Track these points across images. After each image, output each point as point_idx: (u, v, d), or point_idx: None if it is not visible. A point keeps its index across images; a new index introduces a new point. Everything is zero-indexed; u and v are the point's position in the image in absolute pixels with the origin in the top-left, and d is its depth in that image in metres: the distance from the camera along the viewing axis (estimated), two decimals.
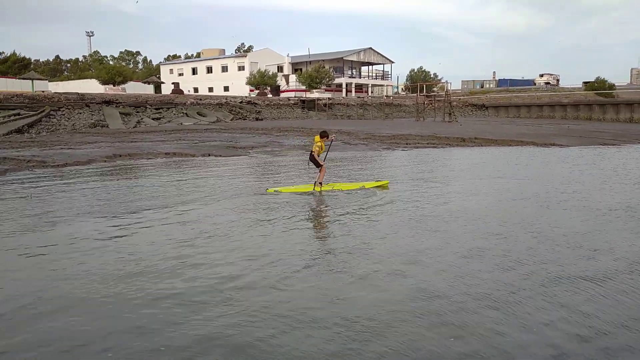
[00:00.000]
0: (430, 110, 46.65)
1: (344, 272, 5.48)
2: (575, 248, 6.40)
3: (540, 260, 5.90)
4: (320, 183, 10.37)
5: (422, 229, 7.33)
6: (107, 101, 32.00)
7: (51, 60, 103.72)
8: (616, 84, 69.71)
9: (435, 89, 59.09)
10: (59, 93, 34.04)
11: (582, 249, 6.35)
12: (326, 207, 9.03)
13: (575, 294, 4.89)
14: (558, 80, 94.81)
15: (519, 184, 11.47)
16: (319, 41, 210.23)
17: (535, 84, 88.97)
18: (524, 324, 4.23)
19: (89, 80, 62.59)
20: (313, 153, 10.28)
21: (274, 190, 10.25)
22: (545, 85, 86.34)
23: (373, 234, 7.02)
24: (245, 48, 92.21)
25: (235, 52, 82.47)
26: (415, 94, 50.47)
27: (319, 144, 10.32)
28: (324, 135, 10.42)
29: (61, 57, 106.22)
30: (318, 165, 10.31)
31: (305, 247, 6.44)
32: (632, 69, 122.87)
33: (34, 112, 26.98)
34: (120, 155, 16.45)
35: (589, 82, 72.47)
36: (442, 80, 67.59)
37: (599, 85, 65.72)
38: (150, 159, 16.23)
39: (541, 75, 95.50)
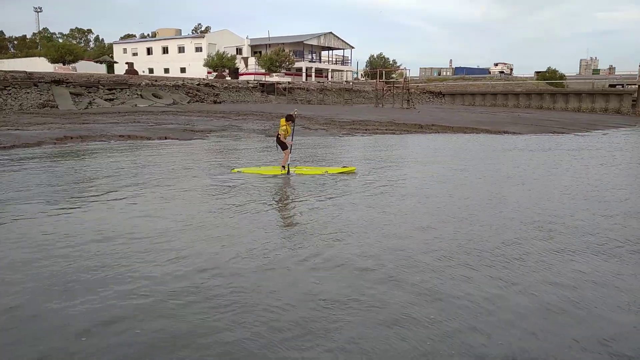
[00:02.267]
0: (389, 96, 47.08)
1: (308, 256, 5.49)
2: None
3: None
4: (284, 166, 10.45)
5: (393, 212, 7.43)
6: (57, 80, 30.53)
7: None
8: (566, 75, 72.33)
9: (394, 75, 59.68)
10: (4, 71, 32.17)
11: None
12: (292, 189, 9.02)
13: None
14: (512, 69, 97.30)
15: (476, 169, 11.79)
16: (279, 25, 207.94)
17: (490, 73, 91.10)
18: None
19: (37, 58, 59.63)
20: (279, 136, 10.45)
21: (237, 171, 10.54)
22: (499, 74, 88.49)
23: (338, 215, 7.07)
24: (203, 29, 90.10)
25: (193, 33, 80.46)
26: (374, 80, 50.79)
27: (284, 127, 10.47)
28: (289, 118, 10.62)
29: (6, 34, 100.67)
30: (284, 147, 10.47)
31: (272, 229, 6.40)
32: (581, 60, 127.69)
33: None
34: (72, 137, 15.82)
35: (540, 71, 74.86)
36: (401, 67, 68.34)
37: (550, 75, 68.00)
38: (103, 141, 15.68)
39: (496, 65, 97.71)
